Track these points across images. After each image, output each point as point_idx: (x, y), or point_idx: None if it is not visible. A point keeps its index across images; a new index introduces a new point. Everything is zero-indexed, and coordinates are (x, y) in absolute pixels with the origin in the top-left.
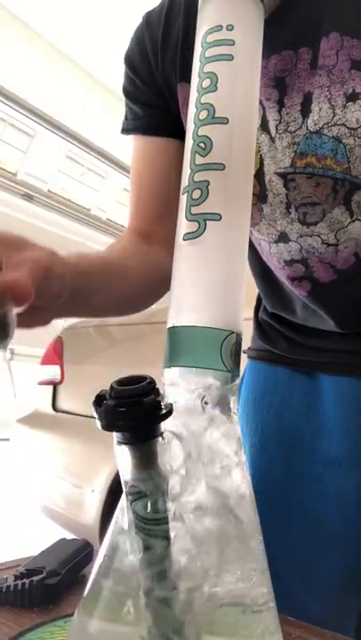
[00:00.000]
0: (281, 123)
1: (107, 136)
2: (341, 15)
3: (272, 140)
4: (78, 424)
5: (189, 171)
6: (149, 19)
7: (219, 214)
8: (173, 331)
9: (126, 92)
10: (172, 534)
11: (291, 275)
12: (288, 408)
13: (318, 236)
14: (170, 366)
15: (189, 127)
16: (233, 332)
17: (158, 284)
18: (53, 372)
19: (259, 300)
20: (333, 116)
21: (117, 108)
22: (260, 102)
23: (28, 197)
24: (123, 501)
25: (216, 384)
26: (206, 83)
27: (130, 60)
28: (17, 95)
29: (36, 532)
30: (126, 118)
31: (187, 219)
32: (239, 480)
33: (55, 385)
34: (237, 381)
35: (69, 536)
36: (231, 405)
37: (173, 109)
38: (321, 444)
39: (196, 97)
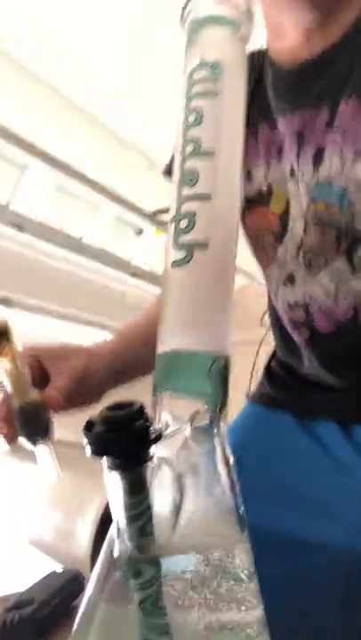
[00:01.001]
0: (299, 171)
1: (98, 166)
2: None
3: (297, 185)
4: (68, 453)
5: (177, 201)
6: None
7: (205, 243)
8: (162, 356)
9: None
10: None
11: (292, 319)
12: (283, 453)
13: (320, 284)
14: (159, 391)
15: (176, 160)
16: (221, 356)
17: None
18: None
19: (273, 352)
20: (343, 170)
21: (107, 140)
22: (287, 153)
23: (19, 227)
24: (112, 530)
25: (205, 408)
26: (192, 117)
27: None
28: (8, 128)
29: (26, 565)
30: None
31: (174, 247)
32: (230, 505)
33: None
34: (227, 405)
35: (59, 568)
36: (221, 429)
37: None
38: (313, 492)
39: (182, 131)
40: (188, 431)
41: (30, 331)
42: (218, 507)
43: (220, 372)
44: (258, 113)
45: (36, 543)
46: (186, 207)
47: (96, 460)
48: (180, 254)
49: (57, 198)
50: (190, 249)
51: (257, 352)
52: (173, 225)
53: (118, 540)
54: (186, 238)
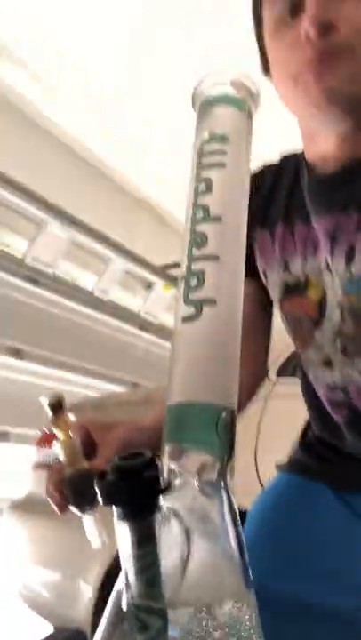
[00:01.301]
0: (333, 266)
1: (109, 223)
2: None
3: (332, 278)
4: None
5: (187, 261)
6: (255, 177)
7: (214, 299)
8: (171, 407)
9: None
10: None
11: (331, 399)
12: (316, 521)
13: (357, 368)
14: (168, 443)
15: (187, 225)
16: (228, 408)
17: None
18: (49, 453)
19: (308, 423)
20: None
21: (120, 197)
22: (322, 249)
23: (34, 281)
24: (120, 582)
25: (213, 459)
26: (202, 187)
27: None
28: (26, 186)
29: (22, 626)
30: None
31: (185, 303)
32: (236, 560)
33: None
34: (233, 457)
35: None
36: (228, 481)
37: (248, 252)
38: (345, 561)
39: (193, 199)
40: (196, 483)
41: (40, 382)
42: (224, 561)
43: (227, 425)
44: (294, 211)
45: (32, 603)
46: (196, 266)
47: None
48: (190, 310)
49: (70, 253)
50: (200, 305)
51: (263, 406)
52: (184, 282)
53: (126, 592)
54: (196, 295)
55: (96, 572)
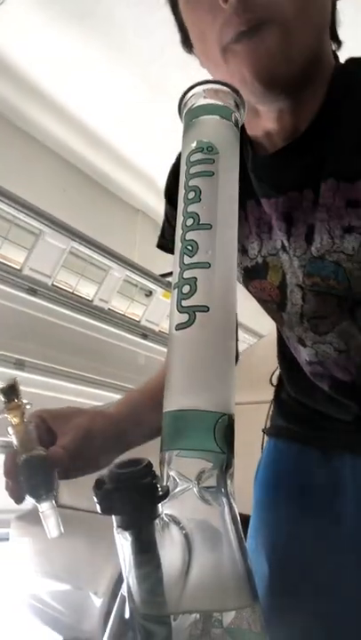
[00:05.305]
0: (291, 248)
1: (107, 232)
2: (337, 163)
3: (290, 259)
4: (81, 520)
5: (179, 269)
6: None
7: (206, 306)
8: (168, 415)
9: (167, 218)
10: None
11: (312, 372)
12: (310, 487)
13: (330, 343)
14: (166, 450)
15: (178, 232)
16: (226, 415)
17: None
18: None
19: (279, 383)
20: (333, 245)
21: (118, 206)
22: (276, 231)
23: (33, 291)
24: (123, 590)
25: (211, 466)
26: (191, 195)
27: (168, 192)
28: (23, 198)
29: (31, 639)
30: (163, 236)
31: (178, 311)
32: (239, 565)
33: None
34: (233, 463)
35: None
36: (228, 487)
37: None
38: (342, 525)
39: (182, 207)
40: (195, 490)
41: (43, 392)
42: (227, 568)
43: (225, 431)
44: (243, 192)
45: (41, 615)
46: (187, 274)
47: (108, 529)
48: (184, 317)
49: (68, 263)
50: (193, 312)
51: (268, 411)
52: (176, 290)
53: (129, 601)
54: (188, 302)
55: (106, 583)
